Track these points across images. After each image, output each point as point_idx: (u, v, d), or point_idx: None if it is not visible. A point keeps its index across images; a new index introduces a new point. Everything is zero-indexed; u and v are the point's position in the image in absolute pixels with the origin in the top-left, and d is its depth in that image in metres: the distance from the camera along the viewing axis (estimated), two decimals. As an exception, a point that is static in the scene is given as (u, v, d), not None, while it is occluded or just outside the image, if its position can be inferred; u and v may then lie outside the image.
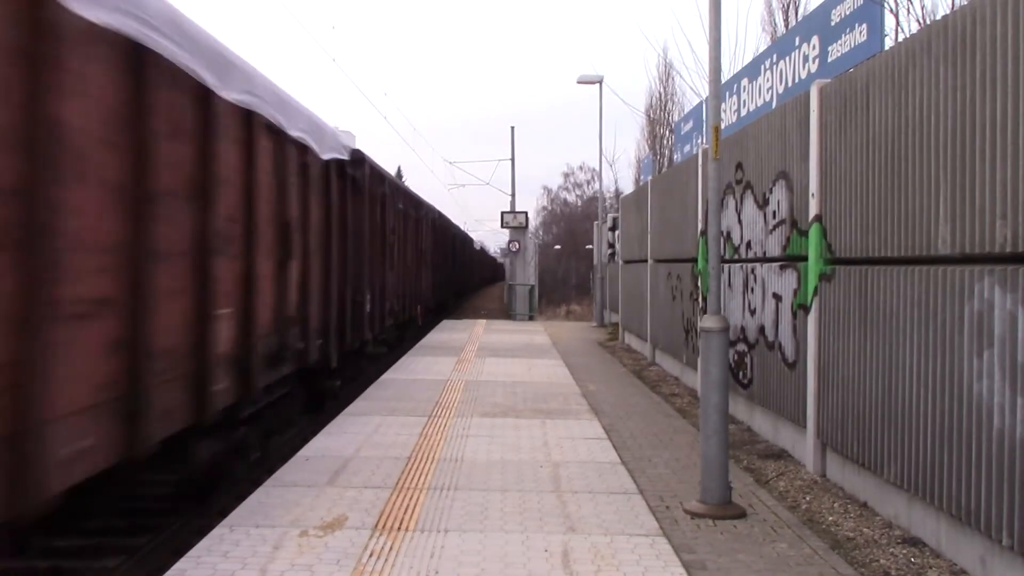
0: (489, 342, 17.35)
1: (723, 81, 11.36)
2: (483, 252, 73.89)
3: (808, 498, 6.13)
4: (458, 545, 4.86)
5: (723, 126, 9.74)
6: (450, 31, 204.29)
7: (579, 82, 23.47)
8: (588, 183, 71.52)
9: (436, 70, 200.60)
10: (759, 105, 11.36)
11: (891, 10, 9.81)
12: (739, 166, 8.80)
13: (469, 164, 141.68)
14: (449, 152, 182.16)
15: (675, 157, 20.36)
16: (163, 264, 5.14)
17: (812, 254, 6.75)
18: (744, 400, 8.71)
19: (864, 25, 8.25)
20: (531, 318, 28.43)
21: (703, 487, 5.76)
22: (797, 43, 9.99)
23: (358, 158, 11.10)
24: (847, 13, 8.56)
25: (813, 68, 9.41)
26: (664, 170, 23.47)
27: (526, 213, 31.56)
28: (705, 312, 6.14)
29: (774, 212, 7.73)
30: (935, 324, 4.89)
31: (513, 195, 35.77)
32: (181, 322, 5.48)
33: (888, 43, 8.44)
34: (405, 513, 5.46)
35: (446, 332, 19.78)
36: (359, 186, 11.31)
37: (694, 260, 10.84)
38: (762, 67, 11.36)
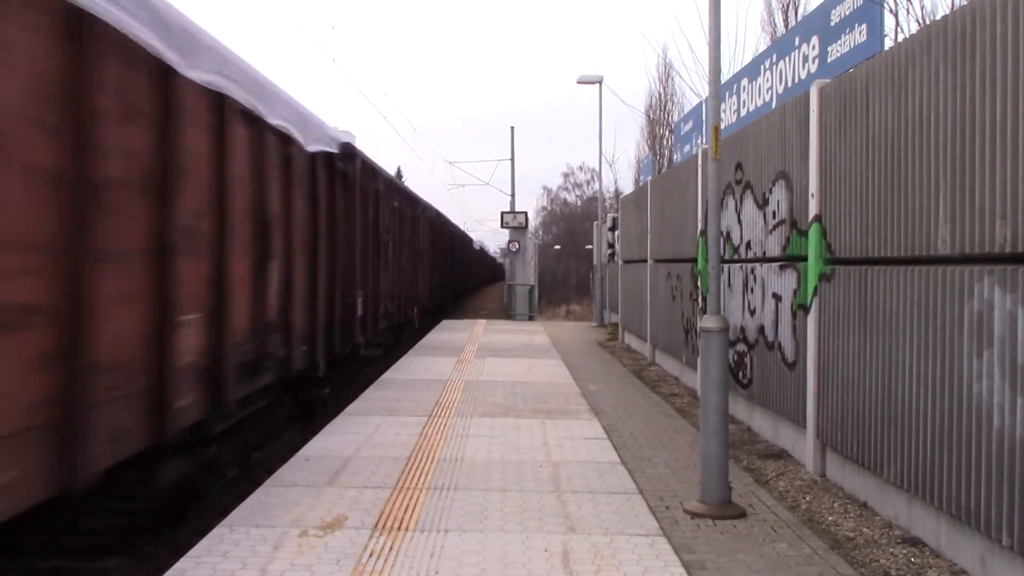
0: (489, 342, 17.35)
1: (723, 81, 11.38)
2: (483, 252, 73.92)
3: (808, 498, 6.13)
4: (458, 545, 4.86)
5: (723, 126, 9.75)
6: (450, 31, 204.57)
7: (579, 82, 23.49)
8: (588, 183, 71.56)
9: (436, 70, 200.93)
10: (759, 105, 11.36)
11: (891, 10, 9.81)
12: (739, 166, 8.80)
13: (469, 164, 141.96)
14: (449, 152, 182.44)
15: (675, 157, 20.36)
16: (112, 265, 4.54)
17: (812, 254, 6.75)
18: (744, 400, 8.71)
19: (864, 25, 8.25)
20: (531, 318, 28.43)
21: (703, 487, 5.76)
22: (797, 43, 9.99)
23: (349, 152, 10.48)
24: (847, 13, 8.56)
25: (813, 68, 9.42)
26: (664, 170, 23.47)
27: (526, 213, 31.56)
28: (705, 312, 6.14)
29: (774, 212, 7.73)
30: (935, 324, 4.89)
31: (513, 195, 35.80)
32: (136, 331, 4.88)
33: (888, 43, 8.44)
34: (405, 513, 5.46)
35: (446, 332, 19.78)
36: (350, 182, 10.75)
37: (694, 260, 10.84)
38: (762, 67, 11.36)
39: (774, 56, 10.86)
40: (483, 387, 10.94)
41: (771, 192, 7.79)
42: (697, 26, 37.92)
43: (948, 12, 5.89)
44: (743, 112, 12.08)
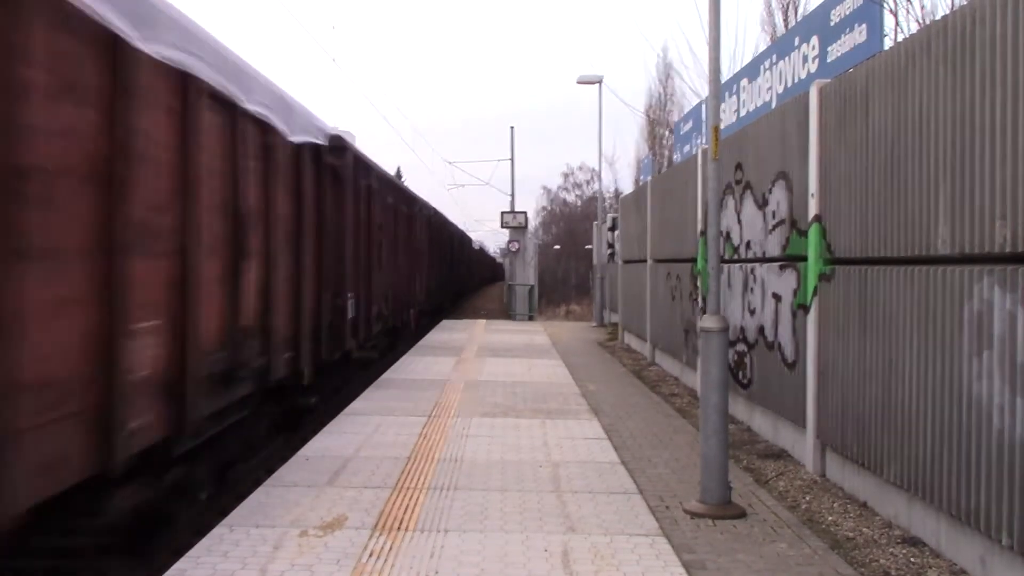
0: (489, 342, 17.35)
1: (723, 81, 11.40)
2: (483, 252, 73.91)
3: (808, 498, 6.13)
4: (458, 545, 4.87)
5: (723, 126, 9.76)
6: (450, 31, 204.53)
7: (579, 82, 23.51)
8: (588, 183, 71.60)
9: (436, 70, 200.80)
10: (759, 105, 11.37)
11: (891, 10, 9.81)
12: (739, 166, 8.80)
13: (469, 164, 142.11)
14: (449, 152, 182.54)
15: (675, 157, 20.37)
16: (42, 265, 3.88)
17: (812, 254, 6.75)
18: (744, 400, 8.72)
19: (864, 25, 8.26)
20: (531, 318, 28.44)
21: (703, 487, 5.76)
22: (797, 43, 10.00)
23: (339, 144, 9.66)
24: (847, 13, 8.57)
25: (813, 68, 9.42)
26: (664, 170, 23.48)
27: (526, 213, 31.59)
28: (705, 312, 6.14)
29: (773, 212, 7.73)
30: (934, 324, 4.89)
31: (513, 195, 35.84)
32: (76, 342, 4.18)
33: (888, 43, 8.44)
34: (405, 513, 5.46)
35: (446, 332, 19.78)
36: (340, 176, 10.01)
37: (693, 260, 10.84)
38: (762, 67, 11.36)
39: (774, 56, 10.87)
40: (483, 387, 10.94)
41: (771, 192, 7.80)
42: (697, 26, 37.94)
43: (948, 12, 5.89)
44: (743, 112, 12.08)
